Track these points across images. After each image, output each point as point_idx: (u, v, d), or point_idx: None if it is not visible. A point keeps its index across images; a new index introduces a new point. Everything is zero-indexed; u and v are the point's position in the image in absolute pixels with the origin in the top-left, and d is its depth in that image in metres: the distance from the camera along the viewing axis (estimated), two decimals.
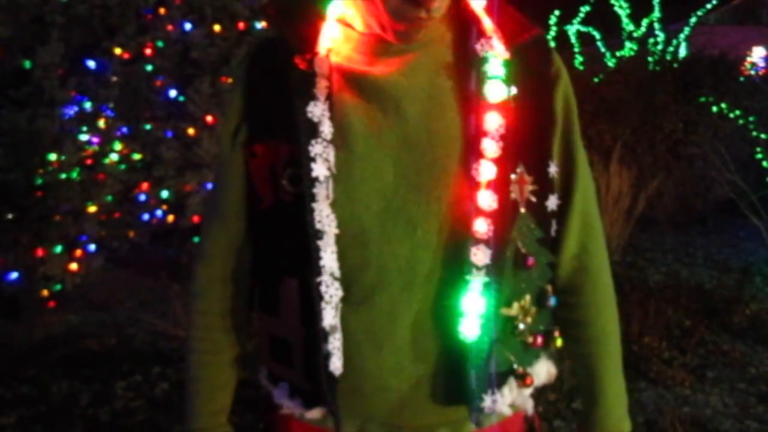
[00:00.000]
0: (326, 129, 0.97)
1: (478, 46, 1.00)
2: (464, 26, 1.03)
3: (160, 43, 4.04)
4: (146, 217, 4.18)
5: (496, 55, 0.99)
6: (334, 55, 1.01)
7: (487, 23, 1.02)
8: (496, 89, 0.98)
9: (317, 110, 0.97)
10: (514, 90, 0.99)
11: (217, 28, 4.12)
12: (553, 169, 1.05)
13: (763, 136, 5.94)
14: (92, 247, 3.95)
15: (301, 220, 0.97)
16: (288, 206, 1.00)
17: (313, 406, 1.04)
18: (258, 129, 1.04)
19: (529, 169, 1.01)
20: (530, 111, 1.01)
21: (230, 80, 4.07)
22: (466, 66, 1.00)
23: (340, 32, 1.02)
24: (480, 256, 0.96)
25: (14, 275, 3.67)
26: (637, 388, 3.37)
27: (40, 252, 3.71)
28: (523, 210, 1.01)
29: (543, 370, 1.11)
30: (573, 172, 1.09)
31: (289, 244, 1.01)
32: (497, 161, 0.97)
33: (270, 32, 1.08)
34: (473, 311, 0.97)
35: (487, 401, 1.01)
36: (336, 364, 0.99)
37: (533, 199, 1.02)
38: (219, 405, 1.18)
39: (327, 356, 0.99)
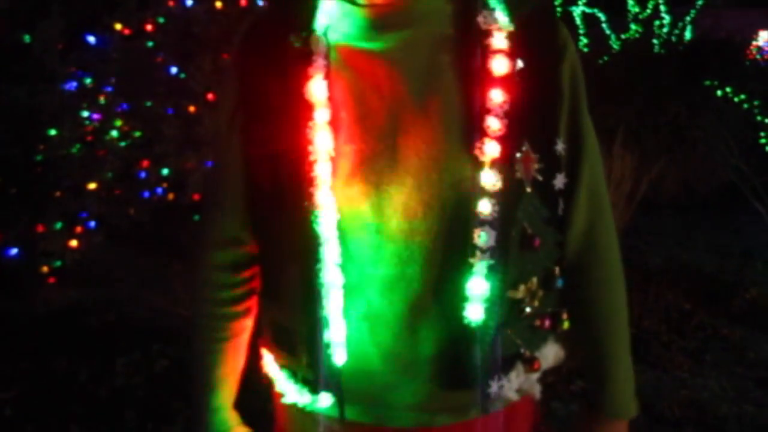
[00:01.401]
0: (324, 110, 0.94)
1: (480, 19, 0.96)
2: None
3: (161, 19, 4.00)
4: (147, 194, 4.18)
5: (499, 28, 0.95)
6: (331, 32, 0.97)
7: None
8: (501, 63, 0.94)
9: (315, 91, 0.94)
10: (519, 64, 0.95)
11: (218, 4, 4.08)
12: (560, 146, 1.00)
13: (767, 120, 5.91)
14: (92, 223, 3.95)
15: (300, 205, 0.94)
16: (286, 191, 0.97)
17: (316, 393, 1.02)
18: (255, 111, 1.01)
19: (535, 147, 0.97)
20: (536, 85, 0.97)
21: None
22: (468, 39, 0.96)
23: (337, 8, 0.98)
24: (484, 237, 0.93)
25: (14, 251, 3.67)
26: (635, 371, 3.37)
27: (40, 228, 3.71)
28: (529, 189, 0.97)
29: (551, 354, 1.08)
30: (581, 149, 1.05)
31: (288, 230, 0.99)
32: (501, 139, 0.93)
33: (263, 12, 1.04)
34: (478, 295, 0.94)
35: (494, 387, 0.98)
36: (339, 352, 0.97)
37: (540, 177, 0.97)
38: (227, 393, 1.17)
39: (329, 344, 0.97)
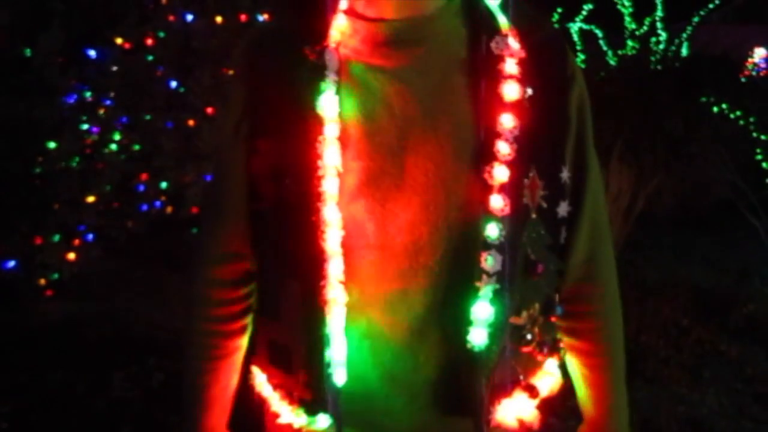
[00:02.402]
0: (334, 125, 0.93)
1: (492, 44, 0.96)
2: (478, 22, 0.99)
3: (161, 33, 4.02)
4: (145, 207, 4.17)
5: (511, 54, 0.96)
6: (343, 47, 0.97)
7: (502, 20, 0.98)
8: (512, 89, 0.95)
9: (326, 105, 0.93)
10: (529, 90, 0.96)
11: (218, 19, 4.10)
12: (565, 174, 1.01)
13: (763, 137, 5.93)
14: (90, 236, 3.94)
15: (305, 221, 0.93)
16: (290, 206, 0.96)
17: (313, 415, 1.00)
18: (262, 123, 0.99)
19: (541, 173, 0.97)
20: (544, 113, 0.98)
21: (231, 72, 4.06)
22: (481, 63, 0.96)
23: (349, 25, 0.98)
24: (491, 261, 0.93)
25: (12, 263, 3.66)
26: (633, 387, 3.36)
27: (38, 240, 3.70)
28: (534, 215, 0.97)
29: (549, 382, 1.07)
30: (584, 179, 1.05)
31: (292, 245, 0.97)
32: (511, 164, 0.93)
33: (270, 23, 1.03)
34: (482, 319, 0.93)
35: (494, 414, 0.97)
36: (339, 372, 0.96)
37: (544, 204, 0.98)
38: (219, 413, 1.15)
39: (330, 363, 0.95)
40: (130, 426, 2.92)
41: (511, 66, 0.96)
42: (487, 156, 0.93)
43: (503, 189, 0.93)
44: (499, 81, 0.95)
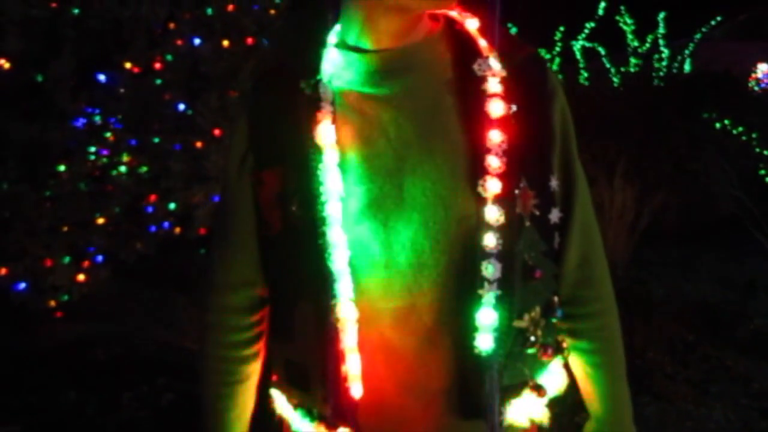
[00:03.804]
0: (333, 152, 0.99)
1: (475, 66, 1.03)
2: (461, 46, 1.06)
3: (169, 57, 4.07)
4: (154, 228, 4.20)
5: (494, 74, 1.02)
6: (336, 79, 1.03)
7: (483, 43, 1.05)
8: (497, 106, 1.01)
9: (323, 134, 0.99)
10: (514, 107, 1.02)
11: (225, 42, 4.15)
12: (554, 183, 1.07)
13: (766, 152, 5.95)
14: (100, 258, 3.97)
15: (313, 244, 0.98)
16: (298, 231, 1.01)
17: (334, 429, 1.04)
18: (265, 156, 1.05)
19: (531, 184, 1.03)
20: (530, 127, 1.04)
21: (237, 94, 4.11)
22: (466, 84, 1.03)
23: (341, 57, 1.04)
24: (491, 269, 0.98)
25: (22, 285, 3.69)
26: (640, 403, 3.37)
27: (48, 262, 3.74)
28: (528, 223, 1.03)
29: (556, 381, 1.13)
30: (572, 185, 1.11)
31: (302, 268, 1.02)
32: (502, 176, 0.99)
33: (269, 58, 1.09)
34: (487, 325, 0.99)
35: (504, 415, 1.03)
36: (355, 386, 1.00)
37: (537, 212, 1.04)
38: None
39: (346, 378, 1.00)
40: None
41: (494, 85, 1.02)
42: (480, 170, 1.00)
43: (497, 200, 0.99)
44: (485, 100, 1.01)
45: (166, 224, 4.25)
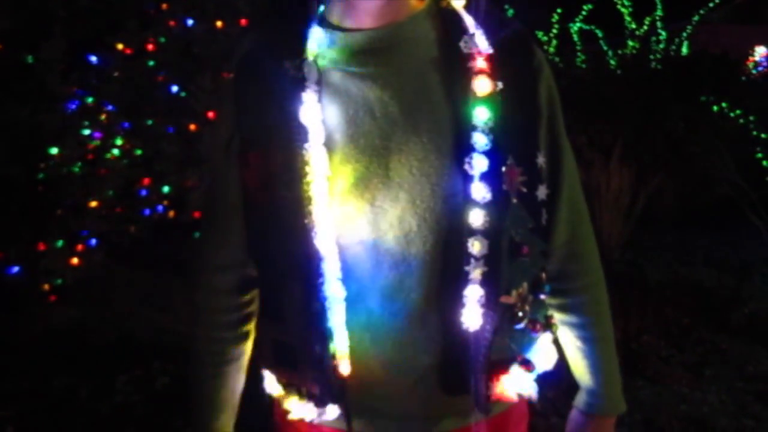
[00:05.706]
0: (319, 132, 0.99)
1: (461, 44, 1.02)
2: (447, 24, 1.05)
3: (162, 39, 4.03)
4: (147, 211, 4.19)
5: (479, 51, 1.01)
6: (321, 58, 1.02)
7: (468, 20, 1.04)
8: (483, 83, 1.00)
9: (309, 114, 0.98)
10: (500, 84, 1.01)
11: (218, 24, 4.11)
12: (541, 159, 1.07)
13: (763, 135, 5.95)
14: (93, 241, 3.95)
15: (300, 224, 0.98)
16: (285, 211, 1.01)
17: (322, 407, 1.05)
18: (251, 138, 1.04)
19: (518, 161, 1.03)
20: (516, 104, 1.03)
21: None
22: (452, 62, 1.02)
23: (326, 36, 1.03)
24: (477, 246, 0.98)
25: (15, 269, 3.68)
26: (635, 386, 3.38)
27: (41, 246, 3.72)
28: (514, 200, 1.02)
29: (544, 356, 1.13)
30: (559, 162, 1.11)
31: (290, 248, 1.02)
32: (488, 153, 0.99)
33: (253, 39, 1.08)
34: (474, 301, 0.99)
35: (493, 390, 1.03)
36: (344, 363, 1.00)
37: (524, 189, 1.03)
38: (226, 417, 1.20)
39: (334, 356, 1.00)
40: (135, 429, 2.94)
41: (480, 62, 1.01)
42: (466, 147, 0.99)
43: (483, 177, 0.98)
44: (471, 77, 1.00)
45: (159, 207, 4.23)
